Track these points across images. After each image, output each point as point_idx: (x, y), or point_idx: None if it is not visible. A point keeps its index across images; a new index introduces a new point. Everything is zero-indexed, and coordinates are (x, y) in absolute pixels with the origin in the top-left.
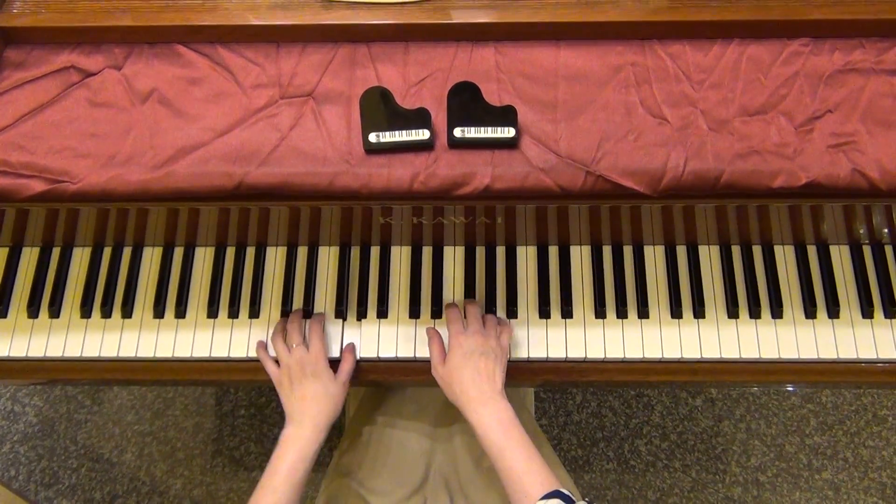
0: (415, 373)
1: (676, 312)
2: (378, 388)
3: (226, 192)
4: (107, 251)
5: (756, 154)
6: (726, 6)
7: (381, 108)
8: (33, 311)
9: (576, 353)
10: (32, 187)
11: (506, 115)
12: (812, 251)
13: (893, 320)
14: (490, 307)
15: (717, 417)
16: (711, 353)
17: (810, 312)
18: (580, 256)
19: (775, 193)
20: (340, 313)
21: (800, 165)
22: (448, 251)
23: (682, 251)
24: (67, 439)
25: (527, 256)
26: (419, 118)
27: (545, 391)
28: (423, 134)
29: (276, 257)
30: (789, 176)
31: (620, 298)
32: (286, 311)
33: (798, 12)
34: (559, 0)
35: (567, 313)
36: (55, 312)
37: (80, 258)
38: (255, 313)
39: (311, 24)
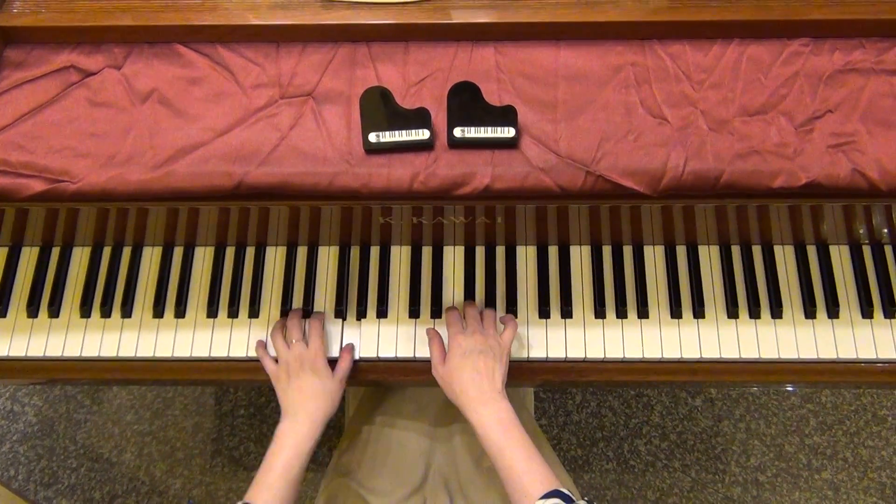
0: (414, 373)
1: (676, 312)
2: (378, 387)
3: (226, 191)
4: (106, 251)
5: (756, 154)
6: (726, 6)
7: (381, 108)
8: (33, 310)
9: (575, 353)
10: (32, 187)
11: (506, 115)
12: (812, 251)
13: (893, 320)
14: (490, 307)
15: (716, 417)
16: (711, 353)
17: (810, 312)
18: (580, 256)
19: (775, 193)
20: (340, 313)
21: (800, 165)
22: (448, 251)
23: (681, 251)
24: (67, 439)
25: (526, 256)
26: (419, 118)
27: (545, 391)
28: (422, 134)
29: (275, 257)
30: (789, 176)
31: (620, 298)
32: (286, 311)
33: (798, 12)
34: (559, 0)
35: (567, 313)
36: (55, 312)
37: (80, 258)
38: (254, 313)
39: (311, 24)
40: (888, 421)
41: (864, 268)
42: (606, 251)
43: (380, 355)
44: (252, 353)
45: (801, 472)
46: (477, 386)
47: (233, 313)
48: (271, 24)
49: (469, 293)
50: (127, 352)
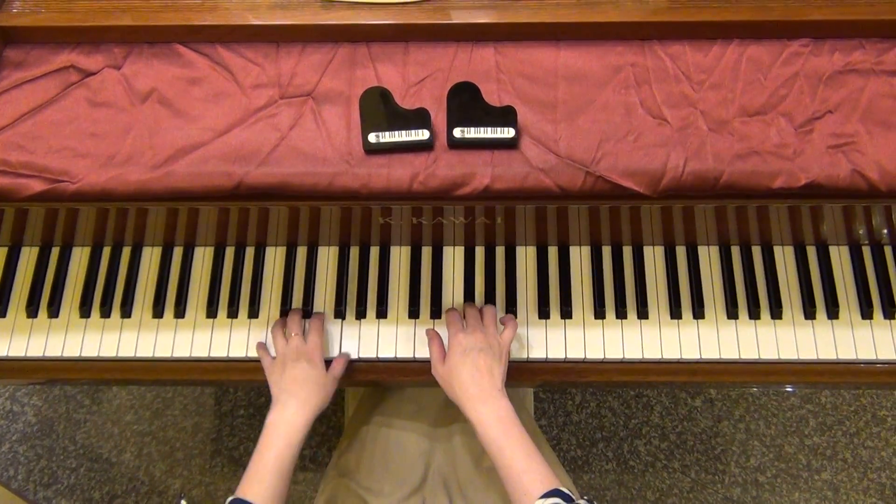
0: (414, 373)
1: (676, 313)
2: (377, 388)
3: (225, 191)
4: (106, 251)
5: (756, 155)
6: (726, 6)
7: (380, 108)
8: (32, 310)
9: (575, 353)
10: (32, 187)
11: (505, 116)
12: (811, 252)
13: (892, 321)
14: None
15: (716, 418)
16: (711, 353)
17: (809, 313)
18: (580, 257)
19: (775, 194)
20: (339, 313)
21: (799, 166)
22: (447, 251)
23: (681, 252)
24: (66, 439)
25: (526, 257)
26: (419, 118)
27: (544, 391)
28: (422, 134)
29: (275, 257)
30: (789, 177)
31: (620, 299)
32: (285, 311)
33: (798, 13)
34: (559, 0)
35: (566, 314)
36: (54, 312)
37: (80, 258)
38: (254, 313)
39: (310, 24)
40: (888, 421)
41: (863, 268)
42: (606, 252)
43: (379, 355)
44: (252, 354)
45: (800, 473)
46: (477, 383)
47: (232, 313)
48: (271, 24)
49: (469, 294)
50: (126, 352)
